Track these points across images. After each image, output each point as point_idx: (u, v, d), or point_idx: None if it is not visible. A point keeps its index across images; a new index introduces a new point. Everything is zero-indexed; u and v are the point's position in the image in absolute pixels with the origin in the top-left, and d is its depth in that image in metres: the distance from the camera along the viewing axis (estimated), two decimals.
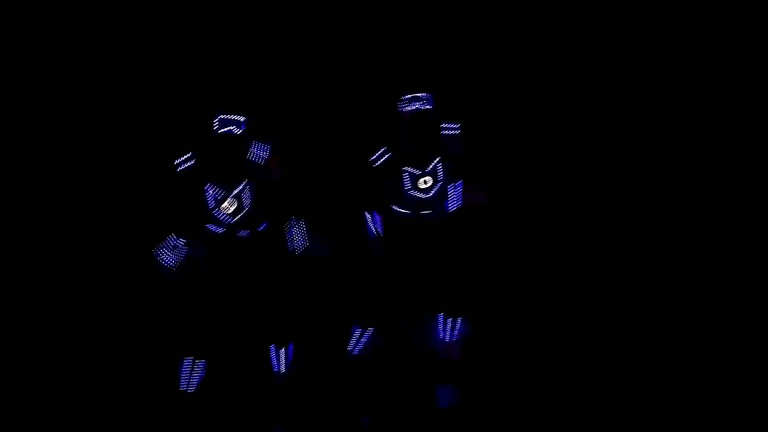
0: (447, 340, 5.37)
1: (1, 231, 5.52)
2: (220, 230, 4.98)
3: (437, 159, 5.31)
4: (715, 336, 5.43)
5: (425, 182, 5.31)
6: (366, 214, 5.42)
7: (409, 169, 5.30)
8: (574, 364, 5.31)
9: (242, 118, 4.94)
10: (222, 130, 4.90)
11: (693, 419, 4.71)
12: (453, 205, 5.36)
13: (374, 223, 5.42)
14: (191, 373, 4.93)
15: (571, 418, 4.79)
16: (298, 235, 5.16)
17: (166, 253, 4.88)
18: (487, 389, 5.13)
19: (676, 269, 5.85)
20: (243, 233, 5.01)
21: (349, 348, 5.37)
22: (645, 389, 4.99)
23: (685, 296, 5.72)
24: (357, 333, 5.38)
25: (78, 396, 4.98)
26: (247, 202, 4.95)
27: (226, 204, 4.87)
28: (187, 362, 4.95)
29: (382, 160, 5.35)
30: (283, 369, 5.08)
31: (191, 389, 4.93)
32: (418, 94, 5.29)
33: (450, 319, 5.38)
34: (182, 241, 4.92)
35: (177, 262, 4.91)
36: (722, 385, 4.98)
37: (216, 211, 4.90)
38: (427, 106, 5.31)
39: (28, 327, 5.37)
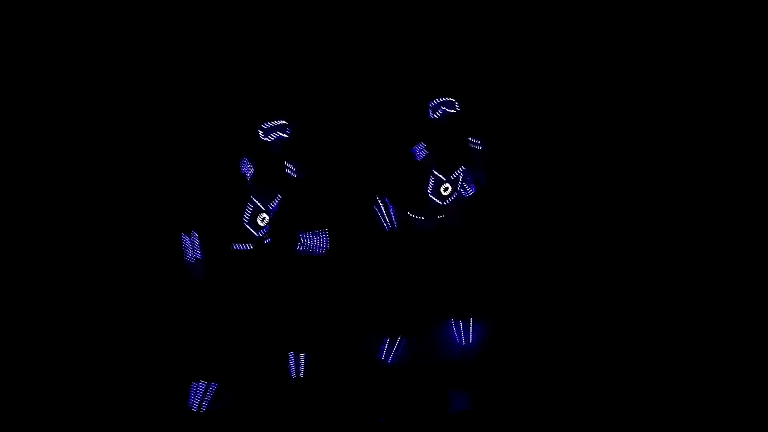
0: (465, 344, 5.48)
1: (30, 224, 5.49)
2: (246, 247, 5.03)
3: (461, 168, 5.43)
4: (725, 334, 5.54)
5: (445, 189, 5.40)
6: (379, 199, 5.46)
7: (436, 173, 5.39)
8: (590, 365, 5.42)
9: (285, 122, 5.05)
10: (271, 136, 4.99)
11: (696, 419, 4.82)
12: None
13: (387, 210, 5.46)
14: (203, 395, 4.97)
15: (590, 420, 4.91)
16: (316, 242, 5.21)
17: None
18: (503, 393, 5.23)
19: (685, 271, 5.94)
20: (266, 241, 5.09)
21: (382, 357, 5.46)
22: (667, 392, 5.09)
23: (695, 297, 5.80)
24: (388, 342, 5.48)
25: (100, 392, 5.12)
26: (274, 216, 5.03)
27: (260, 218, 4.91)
28: (200, 385, 4.99)
29: (422, 156, 5.42)
30: (300, 375, 5.15)
31: (202, 409, 4.98)
32: (451, 100, 5.40)
33: (467, 323, 5.49)
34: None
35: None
36: (728, 384, 5.11)
37: (248, 225, 4.95)
38: (454, 110, 5.41)
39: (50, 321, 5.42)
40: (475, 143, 5.46)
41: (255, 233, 5.00)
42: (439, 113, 5.41)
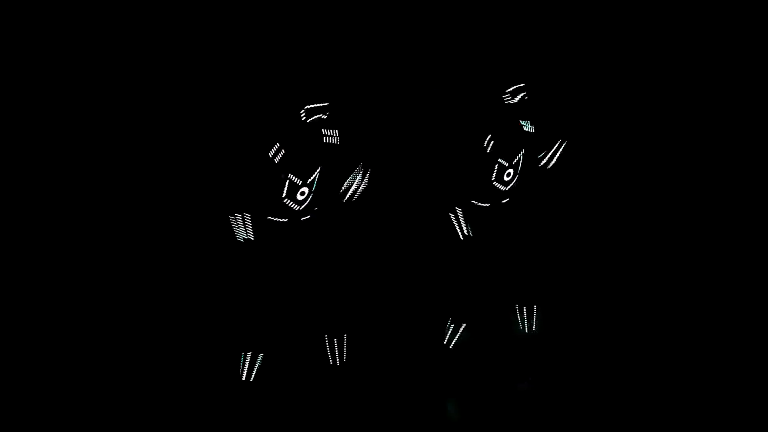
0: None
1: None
2: (284, 220, 4.62)
3: (521, 152, 5.11)
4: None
5: (508, 175, 5.07)
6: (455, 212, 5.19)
7: (501, 160, 5.04)
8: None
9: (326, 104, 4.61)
10: (311, 119, 4.56)
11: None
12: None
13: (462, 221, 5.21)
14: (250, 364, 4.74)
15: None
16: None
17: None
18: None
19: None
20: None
21: (445, 342, 5.30)
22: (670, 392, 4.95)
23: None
24: (451, 327, 5.30)
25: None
26: (314, 189, 4.61)
27: (299, 193, 4.52)
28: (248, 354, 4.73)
29: (490, 147, 5.04)
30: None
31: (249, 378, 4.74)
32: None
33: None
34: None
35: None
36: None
37: (286, 200, 4.53)
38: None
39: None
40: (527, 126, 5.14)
41: (296, 206, 4.56)
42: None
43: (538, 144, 5.20)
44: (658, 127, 5.80)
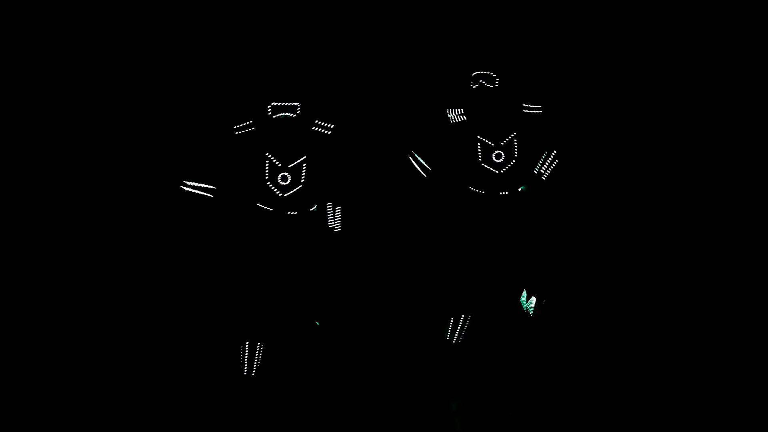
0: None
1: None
2: (270, 209, 4.70)
3: (513, 134, 5.06)
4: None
5: (498, 156, 5.06)
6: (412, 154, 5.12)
7: (482, 138, 5.03)
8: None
9: (297, 104, 4.68)
10: (277, 116, 4.67)
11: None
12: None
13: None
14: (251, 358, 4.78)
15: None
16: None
17: None
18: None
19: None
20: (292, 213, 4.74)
21: (449, 337, 5.25)
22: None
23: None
24: (453, 322, 5.24)
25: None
26: (300, 178, 4.69)
27: (280, 177, 4.68)
28: (247, 347, 4.78)
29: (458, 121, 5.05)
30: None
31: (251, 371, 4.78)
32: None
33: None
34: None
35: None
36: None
37: (270, 183, 4.69)
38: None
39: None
40: (531, 108, 5.10)
41: (279, 192, 4.64)
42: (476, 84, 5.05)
43: (532, 125, 5.13)
44: (662, 118, 5.78)
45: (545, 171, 5.17)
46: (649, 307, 5.57)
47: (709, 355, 5.15)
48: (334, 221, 4.83)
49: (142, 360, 4.97)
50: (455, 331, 5.27)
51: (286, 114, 4.65)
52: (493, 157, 5.06)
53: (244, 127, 4.68)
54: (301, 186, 4.69)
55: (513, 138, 5.08)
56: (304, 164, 4.69)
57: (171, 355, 5.02)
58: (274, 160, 4.63)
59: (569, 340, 5.35)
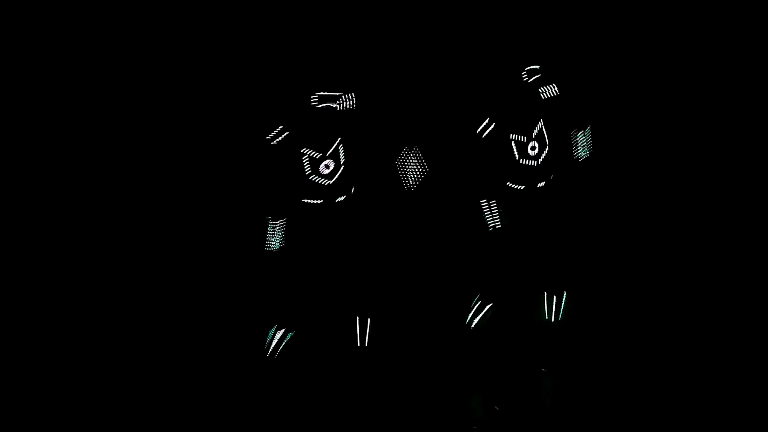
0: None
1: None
2: (318, 201, 4.65)
3: (540, 122, 5.04)
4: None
5: (532, 148, 5.04)
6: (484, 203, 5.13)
7: (515, 136, 5.02)
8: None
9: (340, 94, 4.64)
10: (321, 106, 4.59)
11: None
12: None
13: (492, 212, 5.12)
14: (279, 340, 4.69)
15: None
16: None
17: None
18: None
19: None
20: (340, 199, 4.68)
21: (467, 321, 5.17)
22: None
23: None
24: (476, 306, 5.19)
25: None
26: (342, 159, 4.61)
27: (322, 166, 4.60)
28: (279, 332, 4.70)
29: (487, 131, 5.03)
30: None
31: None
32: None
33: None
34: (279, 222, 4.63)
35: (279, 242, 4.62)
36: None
37: (313, 176, 4.60)
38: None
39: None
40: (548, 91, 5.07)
41: (325, 181, 4.57)
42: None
43: (560, 113, 5.12)
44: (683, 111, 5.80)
45: (584, 150, 5.15)
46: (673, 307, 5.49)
47: (722, 355, 5.07)
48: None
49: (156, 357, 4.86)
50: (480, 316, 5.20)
51: (330, 104, 4.60)
52: (528, 150, 5.04)
53: (277, 134, 4.59)
54: (343, 167, 4.60)
55: (541, 127, 5.06)
56: (341, 146, 4.59)
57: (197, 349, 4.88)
58: (312, 153, 4.54)
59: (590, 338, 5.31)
